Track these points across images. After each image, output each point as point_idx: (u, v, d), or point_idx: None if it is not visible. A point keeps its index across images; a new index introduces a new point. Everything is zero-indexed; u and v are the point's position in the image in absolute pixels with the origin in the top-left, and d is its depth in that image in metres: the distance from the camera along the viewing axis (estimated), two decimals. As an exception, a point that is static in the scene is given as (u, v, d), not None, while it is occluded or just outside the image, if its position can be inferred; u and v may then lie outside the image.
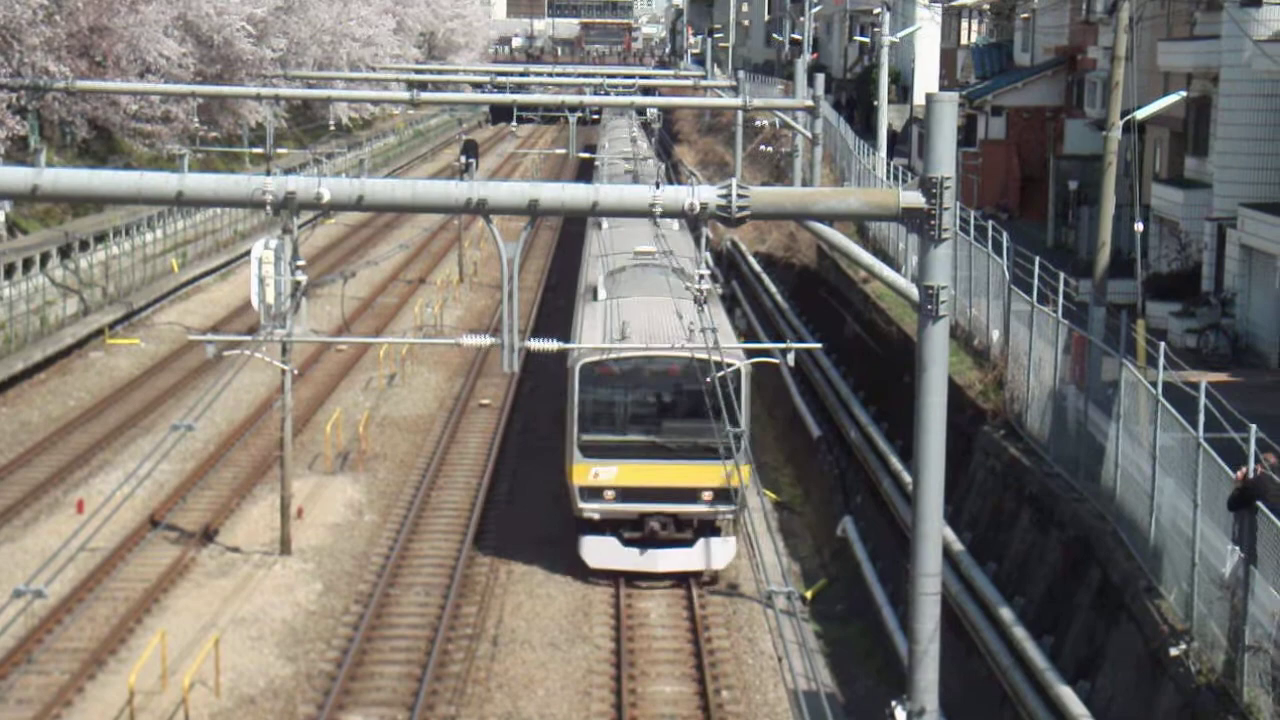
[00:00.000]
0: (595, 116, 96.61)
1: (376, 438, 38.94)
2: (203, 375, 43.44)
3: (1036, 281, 26.26)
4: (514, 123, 65.19)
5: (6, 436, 38.14)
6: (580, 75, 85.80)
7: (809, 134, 48.82)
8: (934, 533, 15.43)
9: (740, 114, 59.75)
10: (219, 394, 23.26)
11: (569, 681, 25.50)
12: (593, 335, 30.48)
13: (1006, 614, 21.76)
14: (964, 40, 73.53)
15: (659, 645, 26.98)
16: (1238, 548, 16.43)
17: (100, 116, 54.65)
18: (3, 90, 47.82)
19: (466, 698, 24.84)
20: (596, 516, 29.09)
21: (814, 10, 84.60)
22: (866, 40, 78.81)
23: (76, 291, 48.64)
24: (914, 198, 14.95)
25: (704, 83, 77.62)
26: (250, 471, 35.68)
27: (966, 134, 56.24)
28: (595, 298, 33.23)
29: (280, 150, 67.07)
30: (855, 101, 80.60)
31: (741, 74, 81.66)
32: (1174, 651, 17.29)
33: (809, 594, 29.18)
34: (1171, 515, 18.56)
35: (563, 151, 74.81)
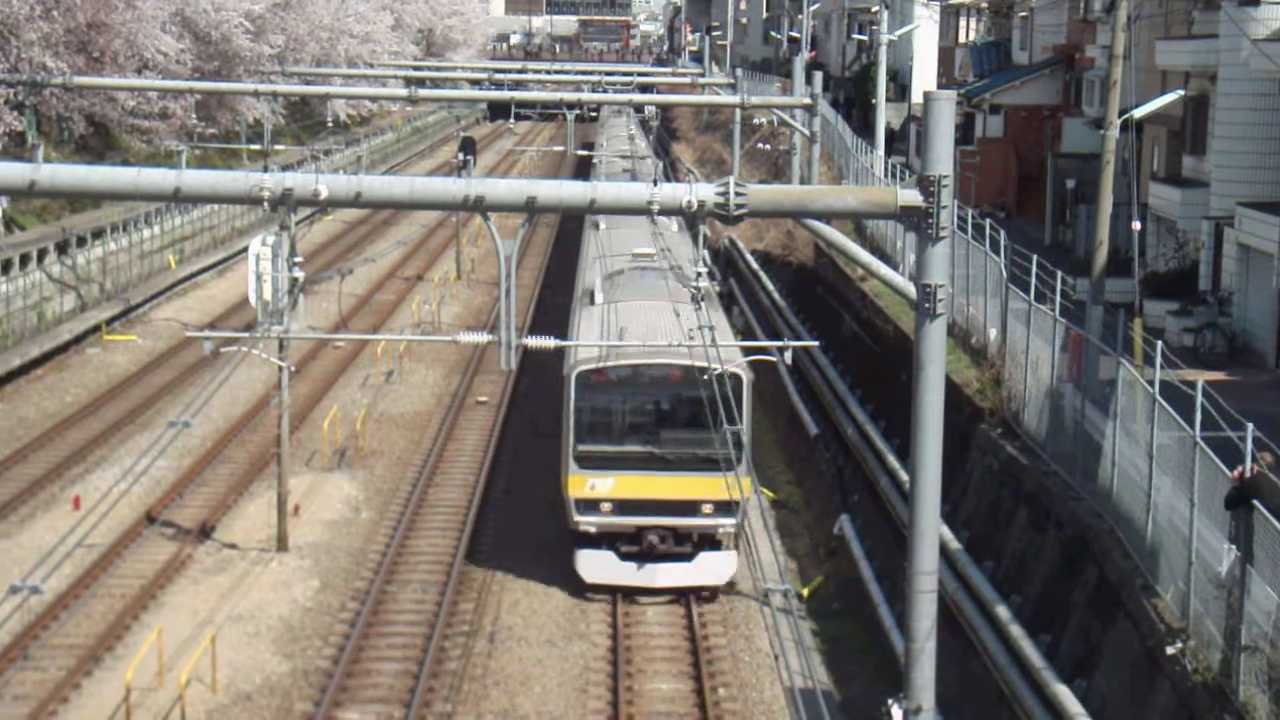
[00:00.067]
0: (593, 114, 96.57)
1: (374, 435, 38.93)
2: (200, 372, 43.44)
3: (1034, 280, 26.26)
4: (512, 120, 65.27)
5: (3, 432, 38.12)
6: (578, 72, 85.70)
7: (807, 132, 48.81)
8: (931, 531, 15.43)
9: (738, 112, 59.73)
10: (216, 390, 23.24)
11: (566, 678, 25.51)
12: (590, 339, 29.74)
13: (1003, 612, 21.76)
14: (962, 38, 73.55)
15: (656, 642, 26.99)
16: (1234, 547, 16.44)
17: (98, 112, 54.63)
18: (0, 86, 47.78)
19: (463, 695, 24.84)
20: (592, 530, 28.17)
21: (812, 8, 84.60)
22: (864, 38, 78.84)
23: (74, 287, 48.62)
24: (912, 196, 14.95)
25: (702, 80, 77.58)
26: (247, 468, 35.67)
27: (964, 132, 56.24)
28: (592, 302, 32.52)
29: (278, 147, 67.00)
30: (853, 99, 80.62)
31: (739, 72, 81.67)
32: (1170, 650, 17.30)
33: (806, 592, 29.18)
34: (1168, 514, 18.57)
35: (560, 149, 74.74)
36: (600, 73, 74.72)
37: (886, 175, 46.37)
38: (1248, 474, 16.21)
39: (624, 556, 28.23)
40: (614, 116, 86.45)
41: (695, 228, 16.44)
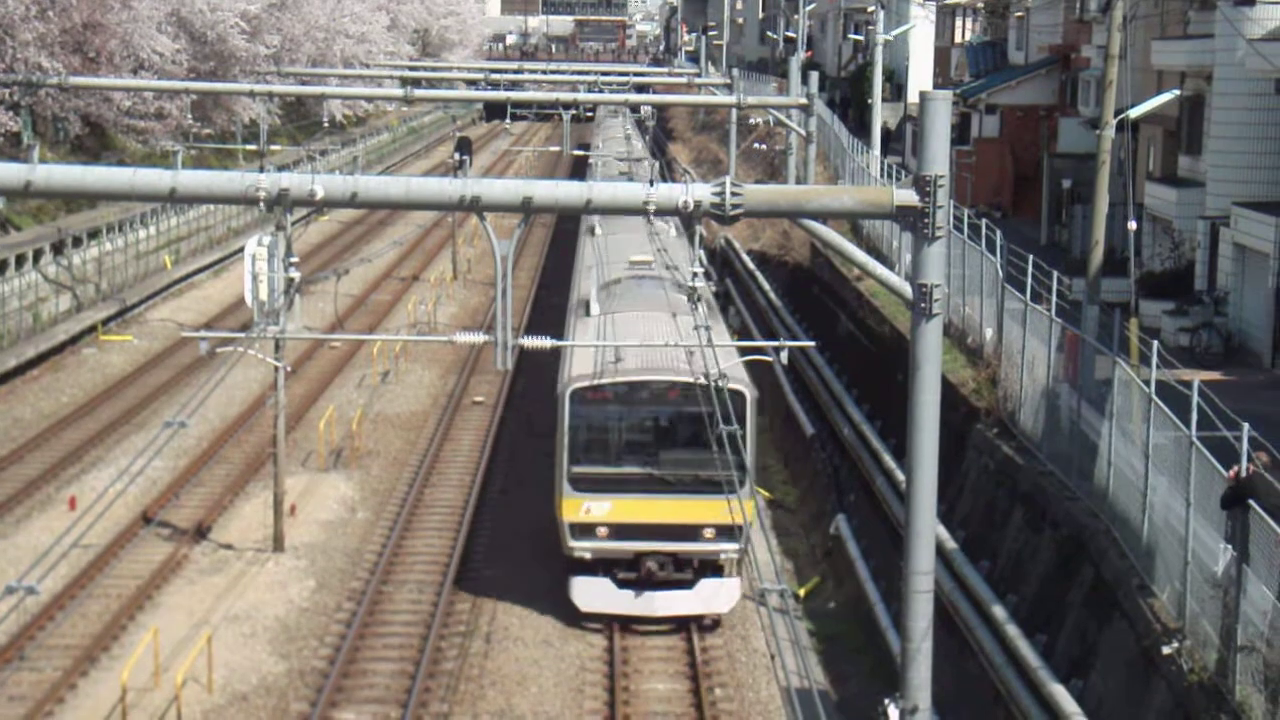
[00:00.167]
0: (589, 114, 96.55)
1: (370, 435, 38.92)
2: (196, 372, 43.43)
3: (1030, 280, 26.27)
4: (508, 120, 65.33)
5: (-1, 433, 38.14)
6: (574, 72, 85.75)
7: (803, 132, 48.82)
8: (927, 530, 15.45)
9: (734, 112, 59.74)
10: (212, 391, 23.24)
11: (562, 679, 25.50)
12: (585, 355, 28.31)
13: (999, 612, 21.78)
14: (958, 38, 73.61)
15: (652, 642, 26.97)
16: (1230, 546, 16.45)
17: (93, 113, 54.62)
18: (-4, 86, 47.80)
19: (459, 695, 24.84)
20: (588, 556, 26.82)
21: (808, 8, 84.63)
22: (861, 38, 78.87)
23: (69, 288, 48.59)
24: (908, 196, 14.96)
25: (698, 80, 77.60)
26: (243, 468, 35.66)
27: (960, 132, 56.29)
28: (588, 313, 31.07)
29: (274, 147, 67.04)
30: (849, 99, 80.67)
31: (736, 72, 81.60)
32: (1166, 650, 17.31)
33: (802, 592, 29.18)
34: (1164, 514, 18.57)
35: (557, 149, 74.75)
36: (596, 73, 74.73)
37: (882, 175, 46.38)
38: (1243, 474, 16.22)
39: (621, 584, 26.93)
40: (610, 117, 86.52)
41: (691, 228, 16.40)
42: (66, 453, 36.34)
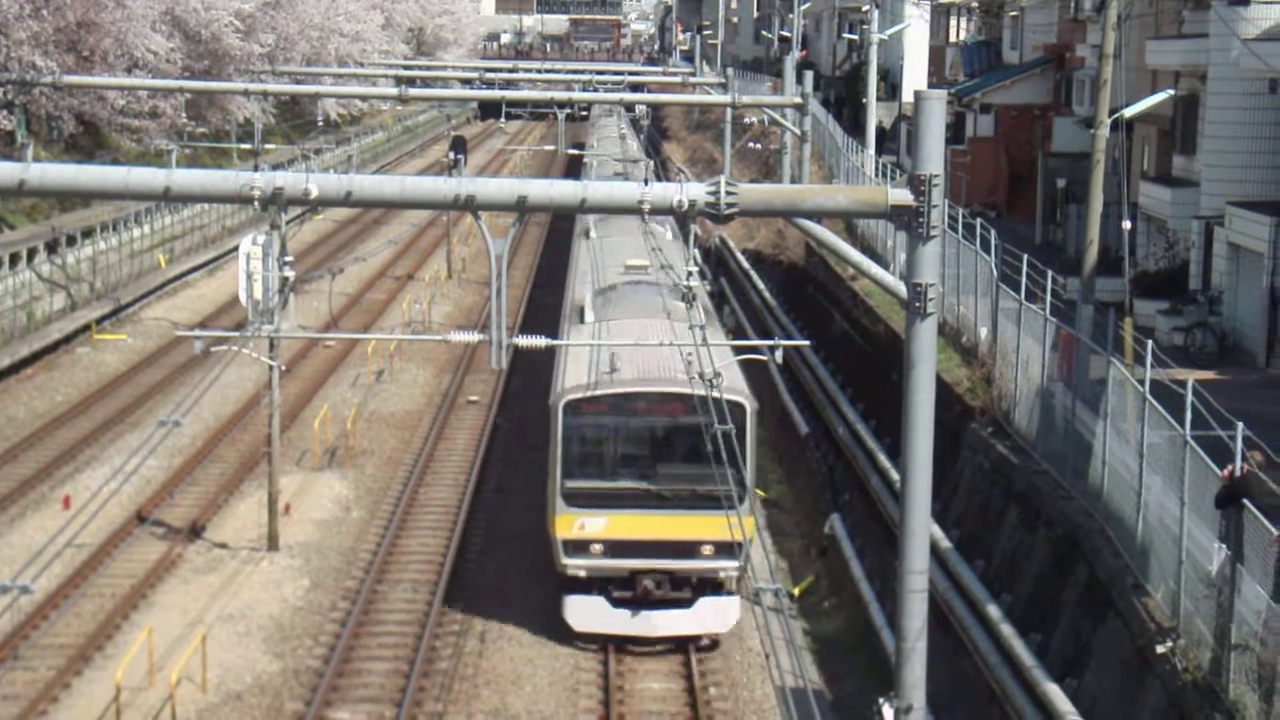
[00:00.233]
0: (584, 113, 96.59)
1: (364, 434, 38.90)
2: (190, 371, 43.39)
3: (1025, 279, 26.29)
4: (502, 119, 65.17)
5: (-7, 432, 38.09)
6: (569, 72, 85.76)
7: (798, 131, 48.83)
8: (922, 530, 15.44)
9: (729, 111, 59.75)
10: (206, 390, 23.21)
11: (557, 677, 25.49)
12: (579, 365, 27.39)
13: (994, 611, 21.79)
14: (952, 38, 73.60)
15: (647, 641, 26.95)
16: (1224, 545, 16.46)
17: (88, 111, 54.57)
18: (-10, 85, 47.76)
19: (454, 694, 24.83)
20: (582, 574, 25.85)
21: (803, 8, 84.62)
22: (855, 38, 78.90)
23: (63, 287, 48.54)
24: (902, 195, 14.96)
25: (693, 80, 77.64)
26: (238, 467, 35.64)
27: (955, 131, 56.27)
28: (582, 320, 30.26)
29: (268, 146, 66.92)
30: (844, 99, 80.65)
31: (730, 71, 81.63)
32: (1160, 649, 17.32)
33: (797, 591, 29.17)
34: (1159, 513, 18.59)
35: (551, 148, 74.75)
36: (591, 72, 74.73)
37: (877, 174, 46.40)
38: (1238, 473, 16.24)
39: (617, 603, 25.93)
40: (605, 116, 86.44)
41: (686, 228, 16.37)
42: (60, 452, 36.31)
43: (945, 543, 24.49)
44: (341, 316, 51.58)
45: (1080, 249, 28.58)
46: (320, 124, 74.46)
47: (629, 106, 65.94)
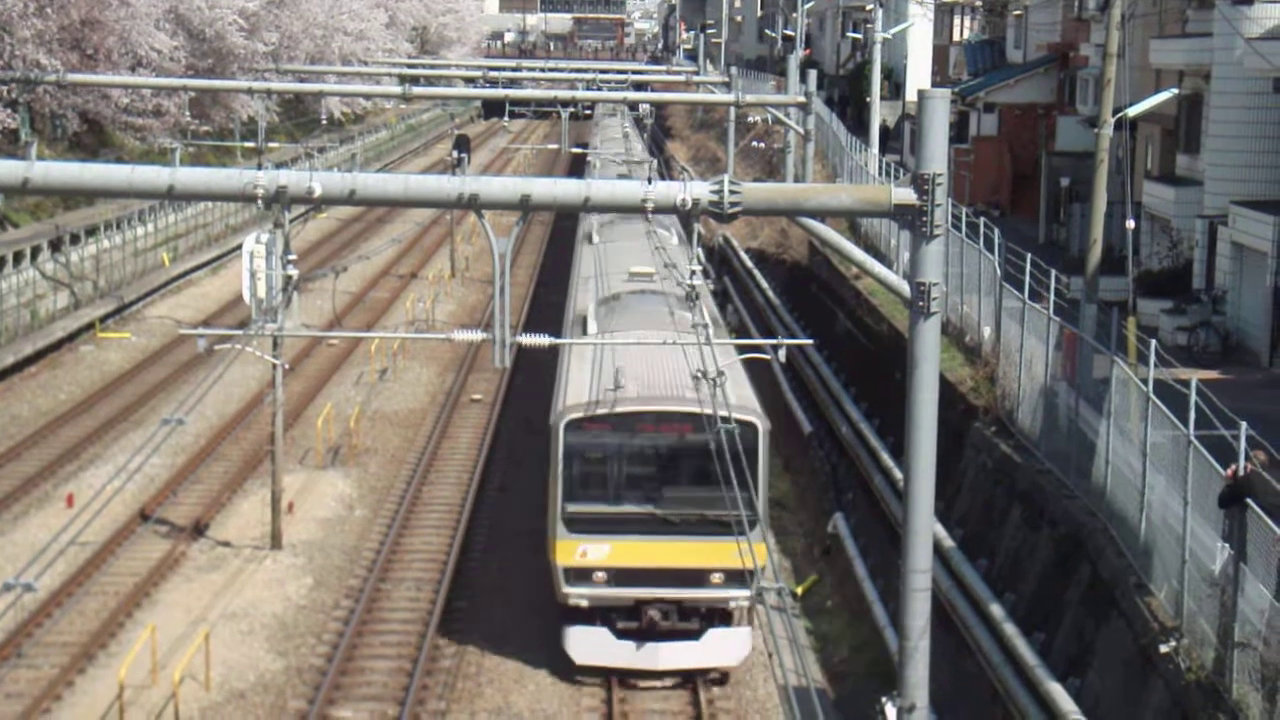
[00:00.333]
0: (588, 112, 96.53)
1: (368, 432, 38.92)
2: (193, 369, 43.41)
3: (1028, 278, 26.28)
4: (506, 118, 65.18)
5: (-3, 430, 38.12)
6: (573, 70, 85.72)
7: (801, 130, 48.81)
8: (925, 529, 15.44)
9: (733, 110, 59.74)
10: (210, 388, 23.25)
11: (560, 675, 25.47)
12: (580, 383, 26.01)
13: (997, 610, 21.78)
14: (956, 37, 73.64)
15: (649, 641, 26.92)
16: (1228, 545, 16.46)
17: (91, 110, 54.60)
18: (-6, 83, 47.78)
19: (457, 692, 24.83)
20: (584, 603, 24.47)
21: (807, 6, 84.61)
22: (859, 36, 78.88)
23: (67, 285, 48.57)
24: (906, 194, 14.96)
25: (696, 79, 77.62)
26: (241, 466, 35.65)
27: (958, 130, 56.33)
28: (585, 332, 28.67)
29: (272, 144, 67.00)
30: (848, 98, 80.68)
31: (734, 70, 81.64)
32: (1164, 648, 17.32)
33: (800, 590, 29.17)
34: (1162, 512, 18.59)
35: (555, 147, 74.77)
36: (595, 71, 74.71)
37: (881, 173, 46.39)
38: (1241, 472, 16.24)
39: (621, 634, 24.59)
40: (608, 115, 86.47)
41: (690, 226, 16.33)
42: (64, 450, 36.33)
43: (948, 542, 24.48)
44: (345, 315, 51.60)
45: (1084, 248, 28.56)
46: (324, 122, 74.47)
47: (632, 105, 65.89)
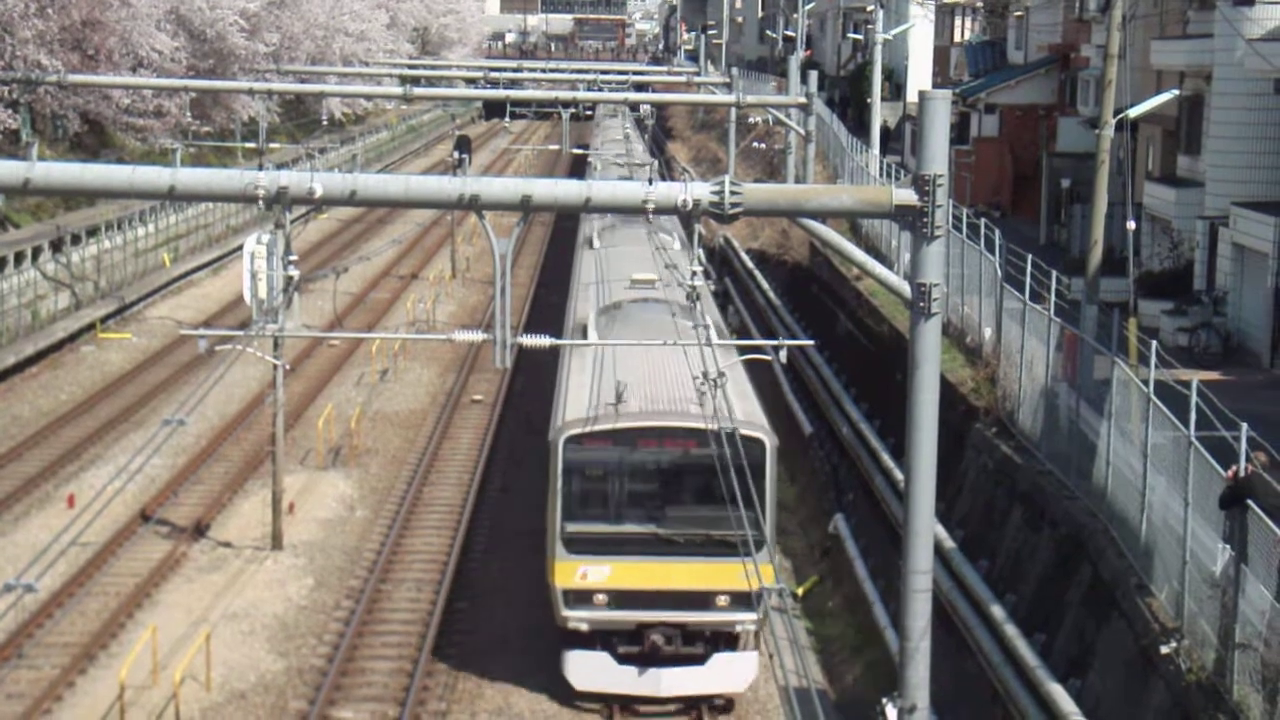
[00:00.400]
0: (589, 113, 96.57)
1: (368, 433, 38.92)
2: (194, 370, 43.42)
3: (1029, 279, 26.27)
4: (507, 119, 65.18)
5: (-2, 430, 38.12)
6: (574, 71, 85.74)
7: (802, 131, 48.81)
8: (925, 530, 15.44)
9: (733, 111, 59.74)
10: (211, 389, 23.27)
11: (560, 675, 25.44)
12: (580, 397, 25.18)
13: (998, 611, 21.78)
14: (957, 38, 73.63)
15: (650, 641, 26.87)
16: (1228, 546, 16.46)
17: (92, 110, 54.61)
18: (-5, 84, 47.79)
19: (458, 693, 24.82)
20: (584, 627, 23.60)
21: (807, 7, 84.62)
22: (860, 37, 78.88)
23: (68, 285, 48.58)
24: (907, 195, 14.96)
25: (697, 79, 77.60)
26: (242, 466, 35.65)
27: (959, 131, 56.31)
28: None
29: (273, 145, 66.99)
30: (848, 98, 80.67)
31: (735, 71, 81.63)
32: (1165, 649, 17.31)
33: (800, 590, 29.17)
34: (1163, 513, 18.58)
35: (556, 148, 74.79)
36: (596, 71, 74.73)
37: (882, 174, 46.39)
38: (1242, 474, 16.23)
39: (622, 659, 23.67)
40: (609, 116, 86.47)
41: (690, 227, 16.33)
42: (65, 450, 36.34)
43: (949, 543, 24.47)
44: (346, 315, 51.60)
45: (1085, 249, 28.54)
46: (325, 123, 74.48)
47: (633, 106, 65.87)
